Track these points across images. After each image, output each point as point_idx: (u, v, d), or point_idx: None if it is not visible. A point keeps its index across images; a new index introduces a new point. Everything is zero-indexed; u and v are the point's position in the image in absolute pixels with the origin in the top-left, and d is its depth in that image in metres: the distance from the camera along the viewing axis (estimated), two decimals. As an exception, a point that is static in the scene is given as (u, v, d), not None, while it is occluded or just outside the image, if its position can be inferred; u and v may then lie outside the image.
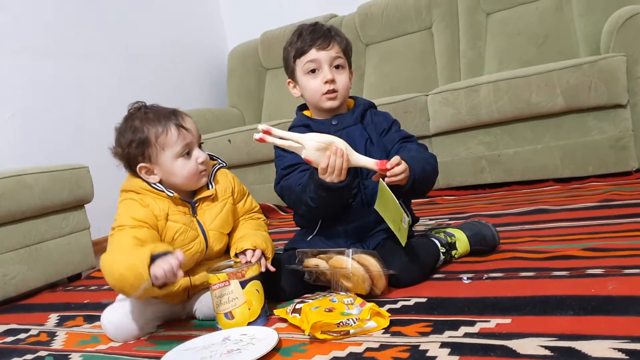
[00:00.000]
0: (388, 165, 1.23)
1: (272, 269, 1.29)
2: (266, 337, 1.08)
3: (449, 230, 1.47)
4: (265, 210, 2.89)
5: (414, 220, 1.48)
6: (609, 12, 2.36)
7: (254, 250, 1.27)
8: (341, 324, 1.04)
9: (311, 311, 1.09)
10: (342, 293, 1.20)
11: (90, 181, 2.20)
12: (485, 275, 1.27)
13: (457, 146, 2.47)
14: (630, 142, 2.17)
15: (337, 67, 1.40)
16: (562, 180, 2.31)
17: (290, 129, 1.50)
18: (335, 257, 1.25)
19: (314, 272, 1.28)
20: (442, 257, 1.39)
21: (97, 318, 1.49)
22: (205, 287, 1.31)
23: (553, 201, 1.98)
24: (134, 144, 1.26)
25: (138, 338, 1.27)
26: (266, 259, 1.29)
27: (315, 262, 1.28)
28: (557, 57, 2.53)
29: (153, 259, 1.10)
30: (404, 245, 1.25)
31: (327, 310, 1.09)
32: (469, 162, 2.46)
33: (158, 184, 1.28)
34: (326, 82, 1.38)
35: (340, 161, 1.22)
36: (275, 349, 1.03)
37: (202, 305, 1.31)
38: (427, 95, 2.51)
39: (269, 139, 1.21)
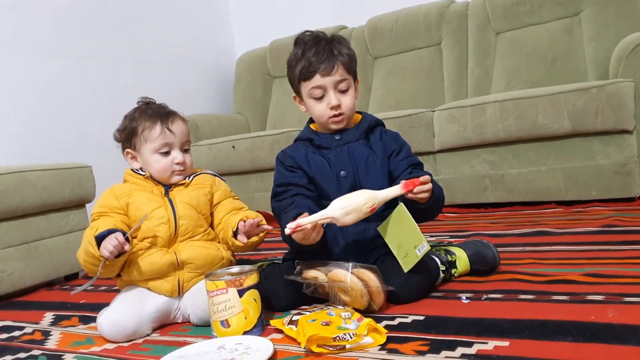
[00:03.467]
0: (422, 179, 1.25)
1: (269, 227, 1.40)
2: (261, 347, 1.08)
3: (450, 248, 1.47)
4: (267, 218, 2.88)
5: None
6: (619, 37, 2.37)
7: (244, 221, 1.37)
8: (338, 338, 1.03)
9: (308, 324, 1.08)
10: (339, 307, 1.19)
11: (92, 181, 2.20)
12: (485, 296, 1.26)
13: (461, 164, 2.47)
14: (635, 168, 2.16)
15: (341, 90, 1.41)
16: (565, 203, 2.30)
17: (296, 140, 1.51)
18: (335, 271, 1.24)
19: (313, 284, 1.28)
20: (441, 275, 1.38)
21: (93, 319, 1.49)
22: (196, 284, 1.36)
23: (555, 224, 1.97)
24: (127, 131, 1.42)
25: (133, 339, 1.27)
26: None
27: (314, 274, 1.28)
28: (565, 80, 2.54)
29: (99, 240, 1.25)
30: (406, 271, 1.26)
31: (324, 323, 1.08)
32: (472, 180, 2.45)
33: (139, 170, 1.43)
34: (332, 108, 1.40)
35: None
36: (270, 361, 1.03)
37: (197, 309, 1.31)
38: (434, 111, 2.51)
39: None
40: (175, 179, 1.41)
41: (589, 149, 2.23)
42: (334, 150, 1.45)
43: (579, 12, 2.70)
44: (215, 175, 1.52)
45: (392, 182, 1.43)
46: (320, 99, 1.41)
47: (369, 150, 1.44)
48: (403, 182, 1.26)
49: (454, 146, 2.45)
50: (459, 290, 1.33)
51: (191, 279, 1.35)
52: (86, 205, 2.21)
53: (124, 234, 1.26)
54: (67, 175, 2.10)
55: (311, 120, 1.54)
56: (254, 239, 1.38)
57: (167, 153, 1.39)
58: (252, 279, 1.21)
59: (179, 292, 1.36)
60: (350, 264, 1.24)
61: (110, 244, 1.23)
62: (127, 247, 1.24)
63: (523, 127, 2.28)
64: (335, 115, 1.42)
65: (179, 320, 1.37)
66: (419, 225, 1.25)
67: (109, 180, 2.65)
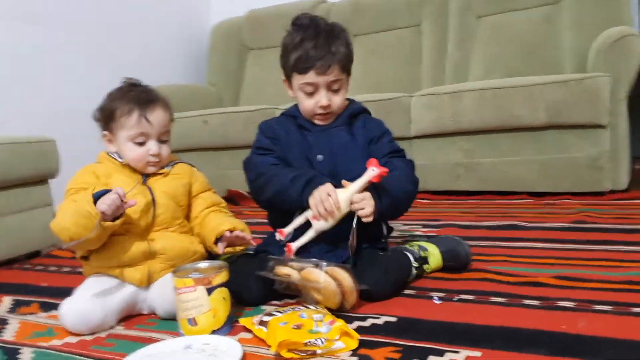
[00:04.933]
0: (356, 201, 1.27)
1: (253, 243, 1.37)
2: (229, 349, 1.05)
3: (423, 244, 1.45)
4: (237, 197, 2.84)
5: (389, 231, 1.45)
6: (598, 29, 2.37)
7: (231, 232, 1.33)
8: (309, 343, 1.01)
9: (279, 327, 1.05)
10: (311, 307, 1.16)
11: (56, 155, 2.11)
12: (456, 297, 1.25)
13: (436, 150, 2.46)
14: (606, 163, 2.19)
15: (334, 89, 1.38)
16: (537, 195, 2.32)
17: (281, 114, 1.51)
18: (308, 269, 1.21)
19: (285, 282, 1.25)
20: (414, 271, 1.37)
21: (55, 306, 1.43)
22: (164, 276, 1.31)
23: (526, 217, 1.98)
24: (105, 112, 1.35)
25: (97, 331, 1.23)
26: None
27: (287, 272, 1.25)
28: (543, 69, 2.53)
29: (96, 199, 1.19)
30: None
31: (295, 327, 1.06)
32: (446, 168, 2.44)
33: (115, 153, 1.36)
34: (321, 107, 1.37)
35: (327, 205, 1.25)
36: (239, 364, 1.00)
37: (164, 302, 1.27)
38: (412, 96, 2.48)
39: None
40: (150, 169, 1.35)
41: (564, 142, 2.24)
42: (314, 133, 1.42)
43: (560, 0, 2.68)
44: (192, 166, 1.47)
45: None
46: (310, 94, 1.38)
47: (350, 136, 1.41)
48: (368, 177, 1.26)
49: (430, 133, 2.43)
50: (431, 288, 1.32)
51: (161, 270, 1.31)
52: (49, 181, 2.13)
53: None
54: (29, 149, 2.01)
55: None
56: (233, 249, 1.37)
57: (142, 143, 1.32)
58: (222, 277, 1.17)
59: (148, 282, 1.31)
60: (324, 263, 1.21)
61: (109, 198, 1.18)
62: (132, 202, 1.22)
63: (500, 117, 2.28)
64: (322, 114, 1.39)
65: (144, 312, 1.33)
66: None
67: (74, 156, 2.59)
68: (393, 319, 1.16)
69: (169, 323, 1.26)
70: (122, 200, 1.20)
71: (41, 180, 2.09)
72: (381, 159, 1.41)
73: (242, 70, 3.60)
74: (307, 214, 1.29)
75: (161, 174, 1.37)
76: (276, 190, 1.32)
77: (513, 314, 1.13)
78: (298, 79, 1.38)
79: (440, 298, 1.25)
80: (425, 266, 1.41)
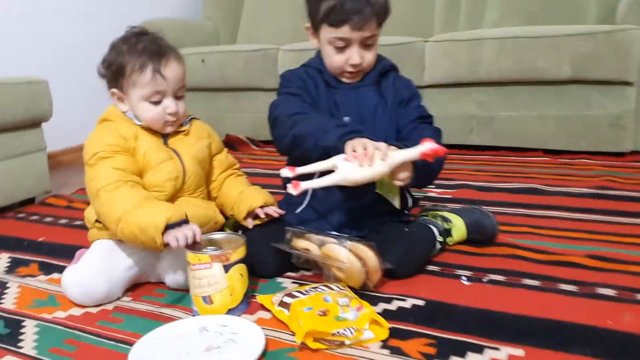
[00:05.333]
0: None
1: (275, 214, 1.29)
2: (250, 336, 0.97)
3: (446, 214, 1.37)
4: (235, 142, 2.72)
5: (414, 203, 1.36)
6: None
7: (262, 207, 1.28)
8: (337, 333, 0.94)
9: (303, 312, 0.98)
10: (335, 288, 1.08)
11: (49, 98, 1.97)
12: (486, 278, 1.18)
13: (449, 102, 2.34)
14: (630, 122, 2.09)
15: (367, 45, 1.24)
16: (552, 152, 2.23)
17: (302, 66, 1.36)
18: (330, 246, 1.13)
19: (303, 256, 1.17)
20: (438, 246, 1.29)
21: (55, 268, 1.37)
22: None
23: (545, 178, 1.90)
24: (113, 67, 1.20)
25: (103, 302, 1.15)
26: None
27: (306, 246, 1.17)
28: (563, 16, 2.40)
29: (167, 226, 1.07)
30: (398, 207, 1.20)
31: (320, 313, 0.98)
32: (459, 120, 2.33)
33: (130, 115, 1.22)
34: (352, 64, 1.25)
35: (370, 149, 1.08)
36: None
37: (175, 274, 1.19)
38: (426, 41, 2.33)
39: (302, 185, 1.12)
40: (168, 129, 1.22)
41: (586, 98, 2.13)
42: (341, 91, 1.30)
43: (589, -59, 2.49)
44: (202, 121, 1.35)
45: (400, 135, 1.31)
46: (341, 49, 1.24)
47: (379, 97, 1.30)
48: (423, 150, 1.12)
49: (444, 82, 2.30)
50: (457, 265, 1.25)
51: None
52: (42, 124, 1.99)
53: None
54: (20, 91, 1.86)
55: None
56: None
57: (158, 102, 1.18)
58: (240, 253, 1.08)
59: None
60: (346, 239, 1.13)
61: (183, 235, 1.05)
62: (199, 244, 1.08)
63: (520, 69, 2.15)
64: (352, 72, 1.26)
65: (151, 280, 1.25)
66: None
67: (66, 98, 2.44)
68: (421, 302, 1.09)
69: (178, 294, 1.19)
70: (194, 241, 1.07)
71: (34, 123, 1.95)
72: (409, 124, 1.31)
73: (240, 4, 3.38)
74: (334, 159, 1.10)
75: (181, 131, 1.26)
76: (313, 128, 1.16)
77: (550, 301, 1.07)
78: (328, 32, 1.23)
79: (468, 278, 1.18)
80: (449, 239, 1.33)
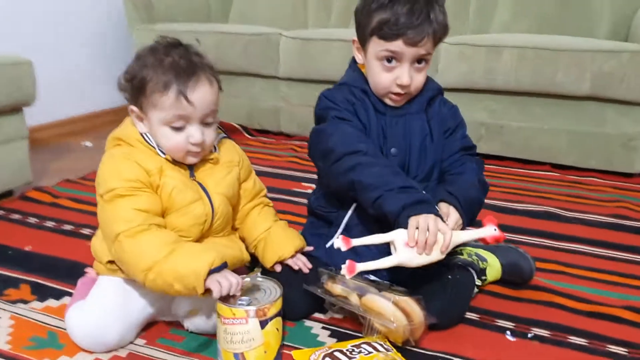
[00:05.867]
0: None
1: (306, 269, 1.16)
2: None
3: (482, 252, 1.29)
4: (229, 129, 2.57)
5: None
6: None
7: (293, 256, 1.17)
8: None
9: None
10: (379, 348, 0.99)
11: (33, 80, 1.77)
12: (531, 333, 1.11)
13: (459, 107, 2.23)
14: (642, 143, 2.04)
15: (419, 62, 1.11)
16: (560, 167, 2.17)
17: (342, 84, 1.20)
18: (371, 297, 1.03)
19: (339, 304, 1.07)
20: (476, 290, 1.21)
21: (50, 292, 1.24)
22: None
23: (558, 200, 1.85)
24: (135, 81, 1.02)
25: (114, 349, 1.03)
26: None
27: (342, 292, 1.06)
28: (576, 24, 2.33)
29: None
30: None
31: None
32: (468, 127, 2.20)
33: (150, 138, 1.04)
34: (399, 85, 1.11)
35: (432, 237, 1.00)
36: None
37: (198, 319, 1.06)
38: (442, 42, 2.21)
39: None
40: (190, 160, 1.04)
41: (601, 116, 2.07)
42: (389, 118, 1.17)
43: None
44: (231, 139, 1.19)
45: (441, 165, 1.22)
46: (390, 67, 1.11)
47: (427, 126, 1.19)
48: (484, 236, 1.10)
49: (457, 87, 2.19)
50: (496, 313, 1.18)
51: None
52: (24, 109, 1.80)
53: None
54: (1, 73, 1.67)
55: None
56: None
57: (181, 128, 1.01)
58: (277, 306, 0.97)
59: None
60: (388, 287, 1.03)
61: (228, 283, 0.94)
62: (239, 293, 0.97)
63: (538, 81, 2.07)
64: (398, 94, 1.13)
65: (166, 319, 1.12)
66: None
67: (51, 80, 2.23)
68: (468, 364, 1.01)
69: (199, 340, 1.07)
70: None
71: (15, 109, 1.76)
72: (453, 155, 1.22)
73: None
74: (393, 236, 1.02)
75: (210, 159, 1.09)
76: (376, 180, 1.04)
77: (602, 366, 1.01)
78: (378, 45, 1.10)
79: (512, 332, 1.11)
80: (483, 278, 1.25)
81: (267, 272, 1.17)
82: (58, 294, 1.22)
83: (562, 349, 1.07)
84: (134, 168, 1.00)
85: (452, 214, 1.09)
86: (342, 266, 1.00)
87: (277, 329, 0.98)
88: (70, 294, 1.20)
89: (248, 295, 0.99)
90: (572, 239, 1.56)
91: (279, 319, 0.99)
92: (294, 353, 1.01)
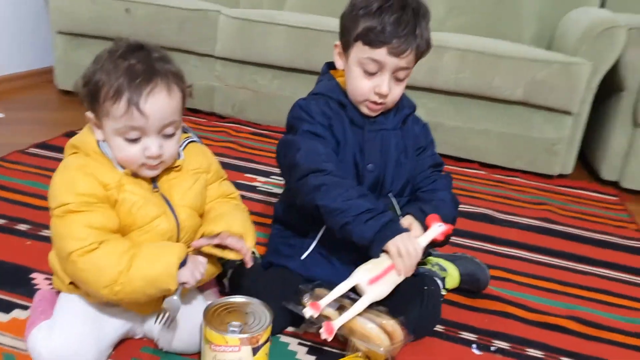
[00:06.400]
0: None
1: (248, 264, 1.03)
2: None
3: (442, 262, 1.34)
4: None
5: (426, 255, 1.31)
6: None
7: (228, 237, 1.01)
8: None
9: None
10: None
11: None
12: (493, 347, 1.18)
13: (398, 102, 2.28)
14: (562, 148, 2.21)
15: (398, 78, 1.11)
16: (487, 166, 2.30)
17: (317, 94, 1.18)
18: (358, 321, 1.03)
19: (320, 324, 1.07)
20: (440, 299, 1.27)
21: (10, 306, 1.11)
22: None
23: (489, 200, 1.97)
24: (89, 86, 0.93)
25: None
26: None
27: (327, 313, 1.06)
28: (507, 23, 2.48)
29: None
30: None
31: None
32: (405, 123, 2.29)
33: (106, 149, 0.96)
34: (377, 93, 1.11)
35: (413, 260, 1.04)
36: None
37: (174, 340, 1.01)
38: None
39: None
40: (147, 173, 0.97)
41: (529, 121, 2.20)
42: (367, 133, 1.17)
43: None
44: (193, 139, 1.10)
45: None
46: (370, 74, 1.10)
47: (402, 143, 1.20)
48: (435, 236, 1.11)
49: (397, 83, 2.23)
50: (459, 324, 1.24)
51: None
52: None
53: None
54: None
55: (332, 66, 1.22)
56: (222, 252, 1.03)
57: (136, 140, 0.93)
58: (269, 332, 0.96)
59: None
60: (373, 312, 1.04)
61: (198, 271, 0.94)
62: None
63: (477, 84, 2.16)
64: (375, 102, 1.13)
65: (137, 336, 1.06)
66: None
67: None
68: (444, 380, 1.06)
69: (174, 358, 1.03)
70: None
71: None
72: (423, 172, 1.25)
73: None
74: (356, 280, 1.02)
75: (174, 167, 1.02)
76: (342, 205, 1.04)
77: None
78: (362, 51, 1.09)
79: (478, 346, 1.18)
80: (446, 288, 1.32)
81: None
82: (6, 306, 1.11)
83: (522, 363, 1.15)
84: (89, 181, 0.93)
85: (415, 230, 1.11)
86: (320, 331, 0.98)
87: (266, 354, 0.97)
88: (20, 306, 1.10)
89: (238, 319, 0.96)
90: (508, 243, 1.66)
91: (268, 344, 0.97)
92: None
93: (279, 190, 1.84)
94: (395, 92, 1.13)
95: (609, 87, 2.18)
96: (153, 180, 0.99)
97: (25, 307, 1.10)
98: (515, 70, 2.10)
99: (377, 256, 1.04)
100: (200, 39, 2.35)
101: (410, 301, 1.14)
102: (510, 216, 1.85)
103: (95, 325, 0.97)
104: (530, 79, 2.10)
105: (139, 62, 0.91)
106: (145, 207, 0.96)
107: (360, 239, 1.04)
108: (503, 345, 1.19)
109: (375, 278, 1.03)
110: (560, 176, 2.27)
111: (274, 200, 1.76)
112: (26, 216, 1.45)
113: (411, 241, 1.03)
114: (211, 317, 0.95)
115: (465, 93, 2.20)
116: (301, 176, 1.08)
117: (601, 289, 1.46)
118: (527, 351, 1.18)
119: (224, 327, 0.93)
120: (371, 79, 1.11)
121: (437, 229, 1.11)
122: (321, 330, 0.98)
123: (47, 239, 1.30)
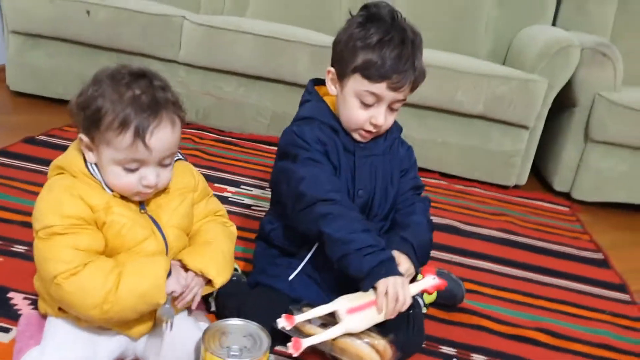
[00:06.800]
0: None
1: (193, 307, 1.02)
2: None
3: (420, 278, 1.38)
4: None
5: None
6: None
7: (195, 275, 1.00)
8: None
9: None
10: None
11: None
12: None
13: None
14: (518, 161, 2.31)
15: (393, 109, 1.15)
16: (447, 176, 2.37)
17: (309, 118, 1.19)
18: (347, 340, 1.06)
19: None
20: (421, 316, 1.31)
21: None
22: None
23: (452, 211, 2.03)
24: (88, 111, 0.90)
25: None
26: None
27: (313, 331, 1.07)
28: (465, 38, 2.57)
29: None
30: None
31: None
32: (370, 133, 2.34)
33: (96, 170, 0.94)
34: (372, 123, 1.13)
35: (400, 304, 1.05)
36: None
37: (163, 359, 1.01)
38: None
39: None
40: (137, 198, 0.96)
41: (488, 134, 2.29)
42: (357, 159, 1.19)
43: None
44: (179, 157, 1.10)
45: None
46: (367, 106, 1.12)
47: (390, 167, 1.23)
48: (426, 287, 1.16)
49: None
50: (437, 339, 1.28)
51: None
52: None
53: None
54: None
55: (318, 82, 1.23)
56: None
57: (134, 170, 0.92)
58: (267, 355, 0.97)
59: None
60: (366, 336, 1.07)
61: (181, 276, 0.96)
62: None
63: (439, 98, 2.23)
64: (369, 131, 1.15)
65: (129, 358, 1.04)
66: None
67: None
68: (431, 396, 1.10)
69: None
70: None
71: None
72: (404, 194, 1.28)
73: None
74: (336, 306, 1.03)
75: (163, 190, 1.00)
76: (344, 236, 1.06)
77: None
78: (360, 84, 1.10)
79: (456, 359, 1.23)
80: (426, 305, 1.36)
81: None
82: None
83: (499, 375, 1.21)
84: (76, 203, 0.91)
85: (403, 263, 1.13)
86: (288, 344, 0.99)
87: (264, 377, 0.98)
88: (1, 329, 1.06)
89: (236, 343, 0.96)
90: (474, 254, 1.73)
91: (266, 366, 0.98)
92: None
93: (250, 201, 1.84)
94: (389, 121, 1.17)
95: (562, 103, 2.30)
96: (140, 202, 0.98)
97: (6, 330, 1.06)
98: (476, 85, 2.18)
99: (366, 290, 1.05)
100: (163, 45, 2.31)
101: (398, 324, 1.15)
102: (473, 227, 1.93)
103: (89, 350, 0.95)
104: (490, 95, 2.18)
105: (143, 93, 0.89)
106: (134, 229, 0.95)
107: (357, 272, 1.05)
108: (480, 359, 1.25)
109: (355, 309, 1.04)
110: (516, 187, 2.38)
111: (247, 211, 1.76)
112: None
113: (403, 288, 1.04)
114: (209, 340, 0.95)
115: (428, 106, 2.26)
116: (308, 205, 1.09)
117: (562, 299, 1.55)
118: (502, 364, 1.24)
119: (224, 351, 0.93)
120: (367, 110, 1.13)
121: (431, 281, 1.14)
122: (289, 344, 0.99)
123: (21, 255, 1.26)
